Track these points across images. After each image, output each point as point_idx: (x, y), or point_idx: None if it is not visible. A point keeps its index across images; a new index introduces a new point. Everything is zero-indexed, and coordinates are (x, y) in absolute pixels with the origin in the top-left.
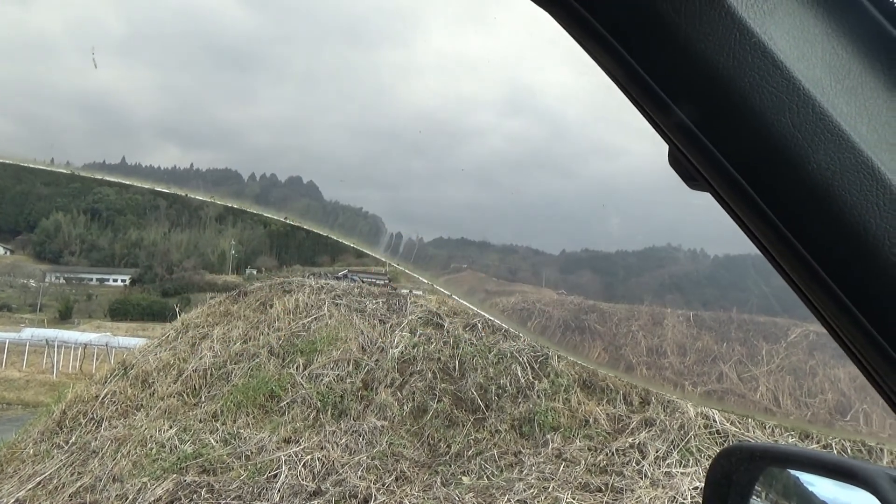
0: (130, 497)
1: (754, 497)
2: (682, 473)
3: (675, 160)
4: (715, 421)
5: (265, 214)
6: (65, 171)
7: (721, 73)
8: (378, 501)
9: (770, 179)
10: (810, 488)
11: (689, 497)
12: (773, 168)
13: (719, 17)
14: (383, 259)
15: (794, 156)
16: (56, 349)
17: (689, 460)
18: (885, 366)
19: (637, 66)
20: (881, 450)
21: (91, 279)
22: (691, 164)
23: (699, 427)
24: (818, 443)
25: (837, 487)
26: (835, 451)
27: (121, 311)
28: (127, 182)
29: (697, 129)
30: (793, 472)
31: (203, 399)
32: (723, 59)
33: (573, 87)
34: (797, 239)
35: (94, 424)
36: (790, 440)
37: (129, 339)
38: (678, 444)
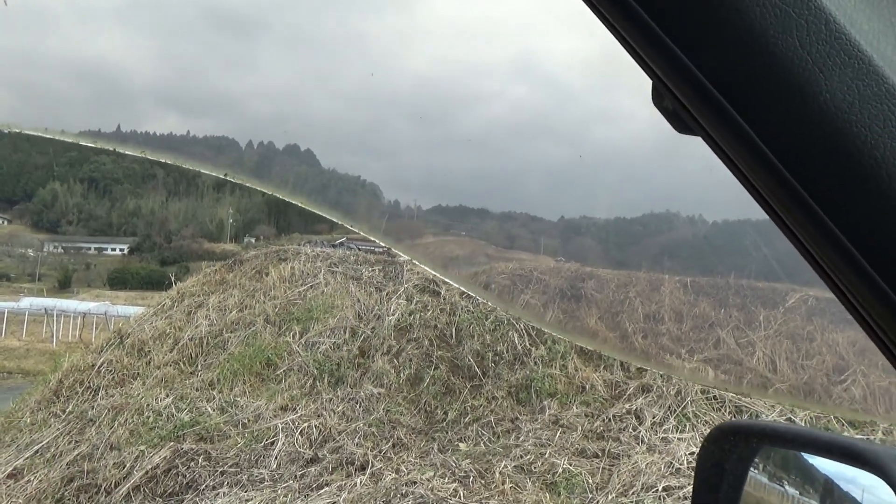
0: (128, 465)
1: (752, 469)
2: (678, 439)
3: (660, 97)
4: (712, 387)
5: (247, 184)
6: (69, 140)
7: None
8: (375, 468)
9: (773, 115)
10: (811, 460)
11: (685, 462)
12: (776, 100)
13: None
14: (346, 226)
15: (802, 84)
16: (55, 318)
17: (685, 426)
18: None
19: None
20: (874, 423)
21: (89, 248)
22: (679, 102)
23: (696, 393)
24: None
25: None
26: (831, 417)
27: (119, 280)
28: (125, 151)
29: (685, 55)
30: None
31: (199, 367)
32: None
33: (579, 53)
34: (804, 187)
35: (90, 393)
36: (786, 405)
37: (128, 308)
38: (675, 410)
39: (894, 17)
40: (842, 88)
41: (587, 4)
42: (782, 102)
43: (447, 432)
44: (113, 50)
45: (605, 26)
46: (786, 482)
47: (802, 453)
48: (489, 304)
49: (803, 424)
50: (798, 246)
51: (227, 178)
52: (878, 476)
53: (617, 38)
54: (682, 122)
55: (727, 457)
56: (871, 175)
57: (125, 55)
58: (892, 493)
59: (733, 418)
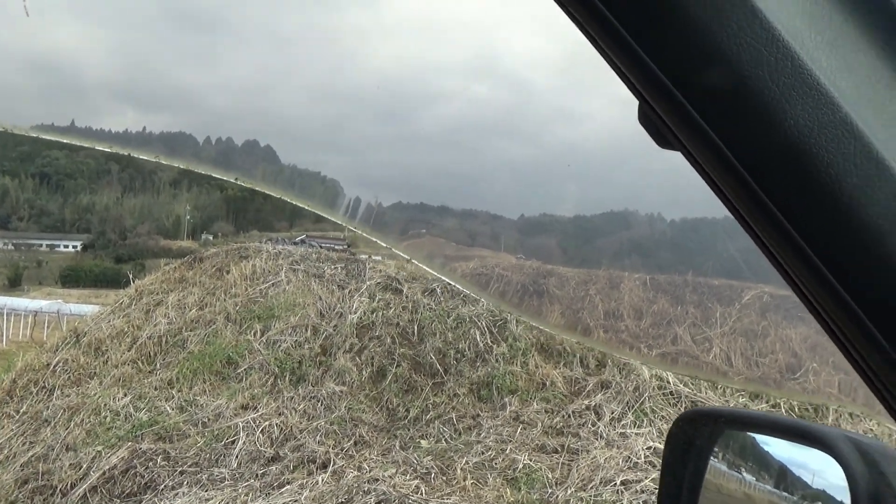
0: (84, 466)
1: (712, 458)
2: (636, 434)
3: (646, 117)
4: (669, 382)
5: (215, 175)
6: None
7: (697, 23)
8: (337, 466)
9: (744, 136)
10: (766, 448)
11: (642, 457)
12: (747, 124)
13: None
14: (342, 223)
15: (770, 111)
16: (5, 317)
17: (643, 421)
18: (853, 328)
19: (610, 16)
20: (826, 408)
21: (41, 245)
22: (662, 121)
23: (653, 389)
24: (767, 402)
25: (793, 447)
26: (783, 411)
27: (72, 278)
28: (79, 144)
29: (670, 83)
30: (750, 433)
31: (158, 366)
32: (698, 8)
33: (542, 53)
34: (770, 198)
35: (45, 393)
36: (740, 400)
37: (81, 307)
38: (633, 406)
39: (848, 56)
40: (804, 116)
41: (576, 25)
42: (754, 126)
43: (409, 429)
44: (67, 42)
45: (595, 49)
46: (743, 469)
47: (759, 441)
48: (490, 305)
49: None
50: (763, 249)
51: (238, 182)
52: (827, 453)
53: (607, 61)
54: (664, 139)
55: (693, 440)
56: (829, 191)
57: (80, 48)
58: (840, 468)
59: None
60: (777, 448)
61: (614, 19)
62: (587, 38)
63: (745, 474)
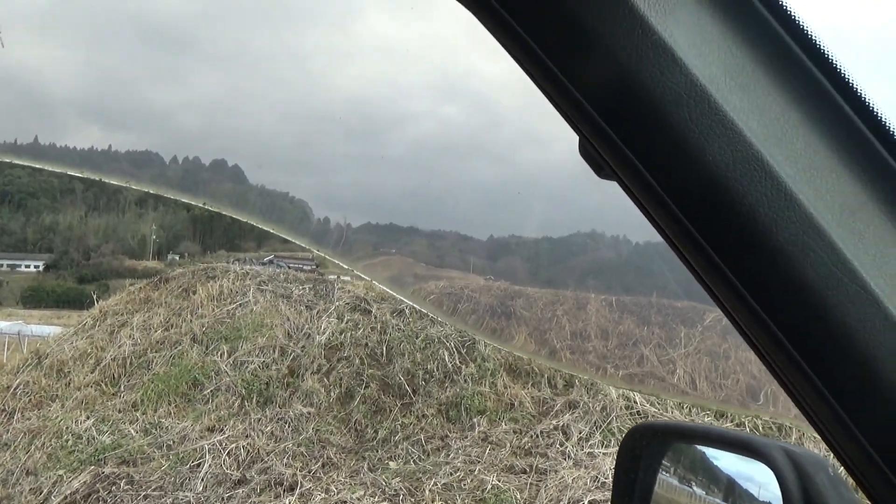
0: (45, 490)
1: (663, 472)
2: (603, 454)
3: (585, 150)
4: (636, 402)
5: (182, 199)
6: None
7: (624, 69)
8: (304, 488)
9: (668, 170)
10: (715, 462)
11: (610, 476)
12: (671, 159)
13: (623, 15)
14: (308, 247)
15: (690, 148)
16: None
17: (610, 441)
18: (778, 353)
19: (548, 60)
20: (790, 428)
21: (1, 265)
22: (599, 155)
23: (620, 408)
24: (732, 421)
25: (740, 461)
26: (747, 430)
27: (34, 299)
28: (48, 168)
29: (603, 122)
30: (699, 448)
31: (122, 388)
32: (625, 55)
33: (509, 75)
34: (693, 226)
35: (5, 416)
36: (706, 419)
37: (43, 328)
38: (600, 426)
39: (759, 99)
40: (721, 152)
41: (517, 62)
42: (677, 162)
43: (377, 451)
44: (33, 58)
45: (536, 86)
46: (694, 483)
47: (708, 456)
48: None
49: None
50: (694, 274)
51: (206, 207)
52: (765, 464)
53: (546, 97)
54: (602, 170)
55: (642, 453)
56: (744, 220)
57: (46, 64)
58: (775, 478)
59: None
60: (726, 462)
61: (552, 64)
62: (530, 79)
63: (695, 488)
